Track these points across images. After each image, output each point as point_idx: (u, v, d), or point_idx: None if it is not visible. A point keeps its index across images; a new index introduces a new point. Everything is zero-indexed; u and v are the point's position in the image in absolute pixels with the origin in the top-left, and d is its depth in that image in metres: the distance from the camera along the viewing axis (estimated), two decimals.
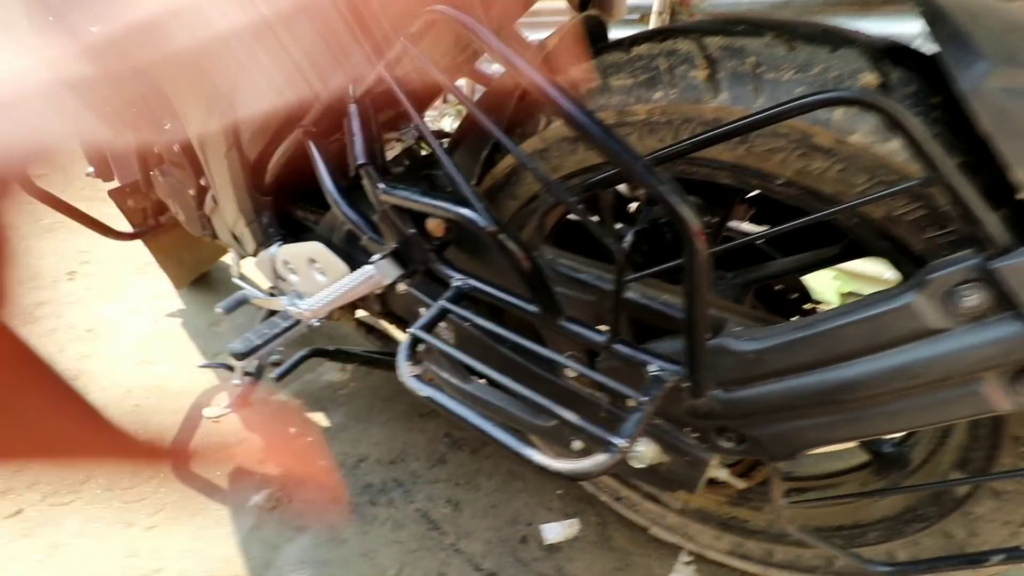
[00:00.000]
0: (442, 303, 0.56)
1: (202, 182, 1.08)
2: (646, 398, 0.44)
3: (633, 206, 0.88)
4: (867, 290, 1.41)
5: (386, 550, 0.90)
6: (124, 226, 1.44)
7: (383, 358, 0.97)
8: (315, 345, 0.91)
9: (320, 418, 1.23)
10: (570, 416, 0.45)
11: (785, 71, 0.45)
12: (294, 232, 0.96)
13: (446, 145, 0.72)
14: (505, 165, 0.67)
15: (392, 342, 1.07)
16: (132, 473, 1.03)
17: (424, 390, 0.50)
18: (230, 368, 1.18)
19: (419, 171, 0.70)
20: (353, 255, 0.83)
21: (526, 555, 0.92)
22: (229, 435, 1.14)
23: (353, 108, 0.59)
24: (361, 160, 0.58)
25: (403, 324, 1.00)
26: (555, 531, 0.96)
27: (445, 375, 0.75)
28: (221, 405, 1.22)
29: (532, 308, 0.54)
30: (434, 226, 0.58)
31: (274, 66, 0.64)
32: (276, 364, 0.95)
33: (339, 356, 0.92)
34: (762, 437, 0.50)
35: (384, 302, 0.90)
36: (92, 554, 0.86)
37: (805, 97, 0.35)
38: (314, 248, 0.82)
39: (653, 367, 0.47)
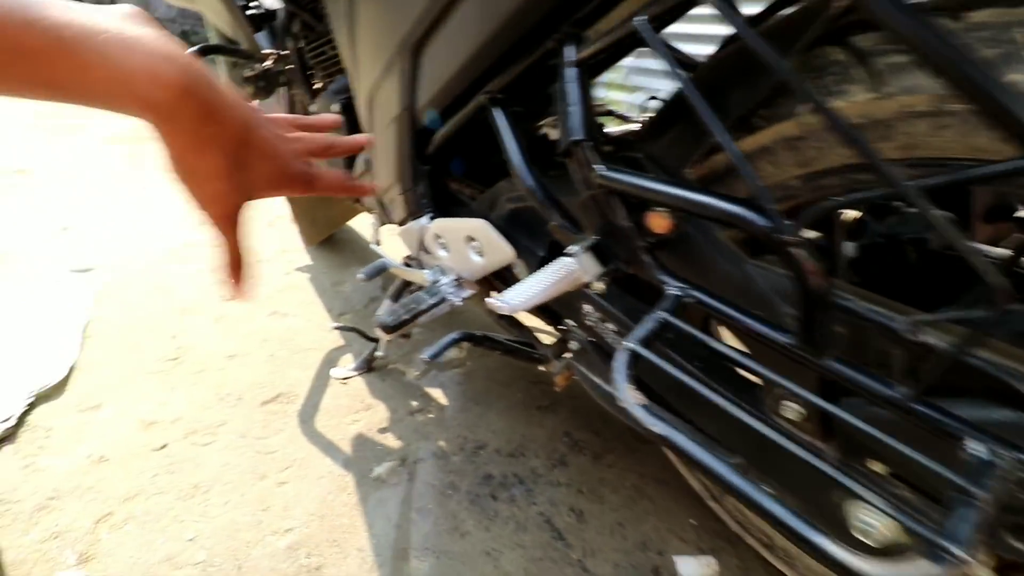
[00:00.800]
0: (662, 314, 0.46)
1: None
2: (980, 491, 0.32)
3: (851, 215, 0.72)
4: None
5: (510, 553, 0.85)
6: None
7: (525, 350, 0.90)
8: (462, 329, 0.86)
9: (438, 395, 1.20)
10: (855, 487, 0.34)
11: None
12: (444, 206, 0.90)
13: (646, 123, 0.61)
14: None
15: (524, 330, 1.00)
16: (264, 424, 1.05)
17: (657, 426, 0.41)
18: (361, 333, 1.18)
19: (621, 151, 0.60)
20: (515, 238, 0.75)
21: None
22: (355, 399, 1.14)
23: (571, 73, 0.50)
24: (577, 135, 0.49)
25: (550, 316, 0.92)
26: (691, 568, 0.86)
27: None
28: (348, 367, 1.23)
29: (785, 339, 0.43)
30: (658, 221, 0.48)
31: (477, 19, 0.57)
32: (392, 328, 0.90)
33: (485, 343, 0.86)
34: None
35: None
36: (230, 500, 0.88)
37: None
38: (477, 226, 0.76)
39: (977, 445, 0.35)
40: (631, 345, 0.45)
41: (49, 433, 0.98)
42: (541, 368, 0.95)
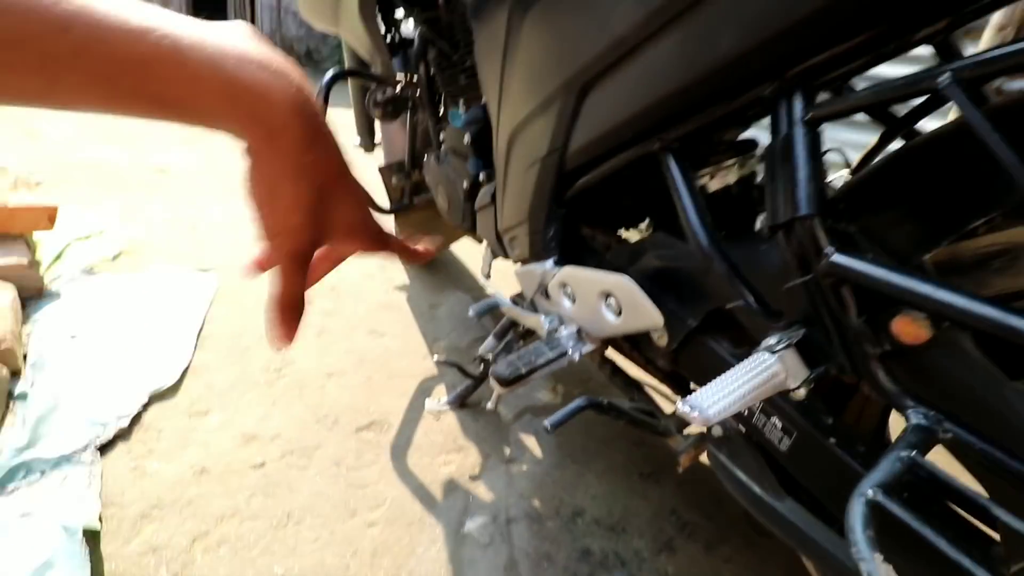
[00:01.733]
0: (906, 454, 0.35)
1: (481, 177, 1.02)
2: None
3: None
4: None
5: None
6: (382, 201, 1.49)
7: (650, 421, 0.81)
8: (587, 395, 0.77)
9: (532, 444, 1.12)
10: None
11: None
12: (572, 252, 0.83)
13: (853, 185, 0.50)
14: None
15: (643, 395, 0.90)
16: (357, 452, 1.02)
17: None
18: (461, 369, 1.13)
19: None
20: (661, 301, 0.66)
21: None
22: (447, 437, 1.09)
23: (799, 132, 0.41)
24: (806, 209, 0.40)
25: (675, 384, 0.82)
26: None
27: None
28: (442, 400, 1.18)
29: None
30: (910, 328, 0.37)
31: (672, 65, 0.49)
32: (509, 382, 0.83)
33: (611, 411, 0.78)
34: None
35: (673, 359, 0.73)
36: (320, 536, 0.84)
37: None
38: (621, 284, 0.68)
39: None
40: (871, 494, 0.34)
41: (160, 435, 1.00)
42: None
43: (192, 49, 0.25)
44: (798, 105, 0.42)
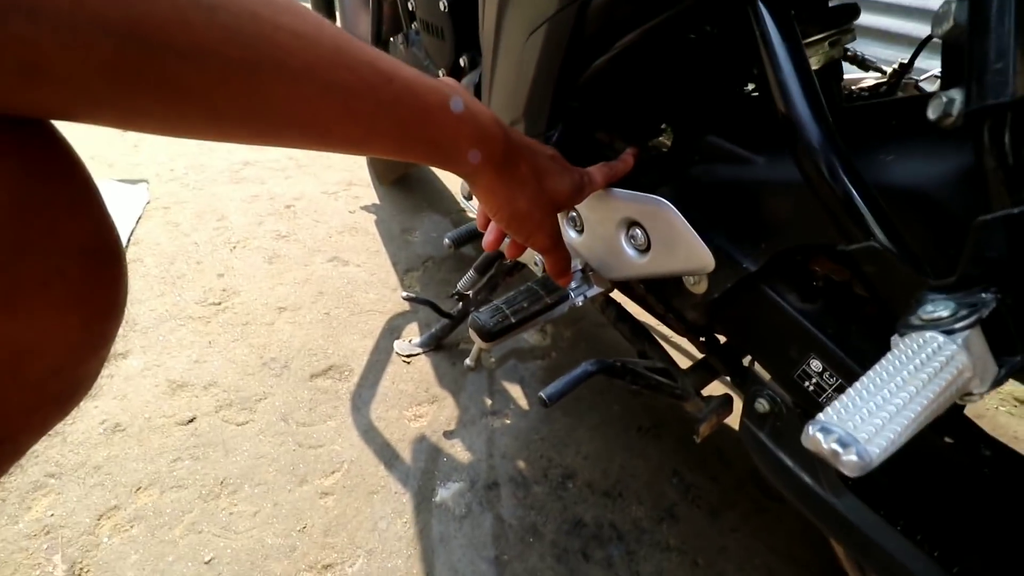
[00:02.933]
0: None
1: (462, 61, 0.78)
2: None
3: None
4: None
5: None
6: None
7: (668, 384, 0.65)
8: (598, 358, 0.60)
9: (518, 393, 0.97)
10: None
11: None
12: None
13: None
14: None
15: (654, 343, 0.73)
16: (310, 404, 0.86)
17: None
18: (434, 307, 0.95)
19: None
20: (707, 237, 0.47)
21: None
22: (419, 386, 0.93)
23: None
24: None
25: (697, 336, 0.65)
26: None
27: None
28: (413, 341, 1.01)
29: None
30: None
31: None
32: (494, 335, 0.65)
33: (625, 375, 0.61)
34: None
35: (709, 311, 0.55)
36: (261, 509, 0.70)
37: None
38: (657, 211, 0.49)
39: None
40: None
41: None
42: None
43: (460, 103, 0.32)
44: None
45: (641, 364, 0.63)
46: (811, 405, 0.47)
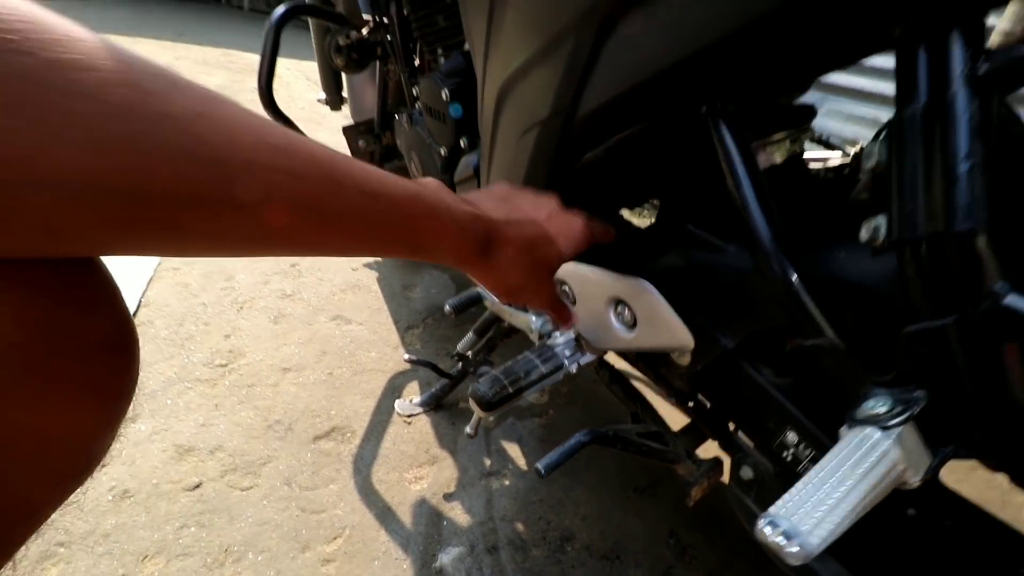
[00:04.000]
0: None
1: (462, 142, 0.85)
2: None
3: None
4: None
5: None
6: None
7: (659, 448, 0.67)
8: (591, 428, 0.63)
9: (516, 452, 0.99)
10: None
11: None
12: None
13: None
14: None
15: (647, 406, 0.76)
16: (313, 468, 0.87)
17: None
18: (435, 368, 0.98)
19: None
20: (687, 316, 0.52)
21: None
22: (419, 446, 0.95)
23: (961, 97, 0.26)
24: (966, 221, 0.25)
25: (688, 405, 0.68)
26: None
27: None
28: (414, 401, 1.04)
29: None
30: None
31: None
32: (493, 405, 0.68)
33: (617, 443, 0.64)
34: None
35: (693, 380, 0.59)
36: None
37: None
38: (639, 291, 0.53)
39: None
40: None
41: None
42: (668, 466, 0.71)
43: (439, 208, 0.35)
44: (957, 51, 0.27)
45: (632, 430, 0.66)
46: (790, 475, 0.50)
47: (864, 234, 0.32)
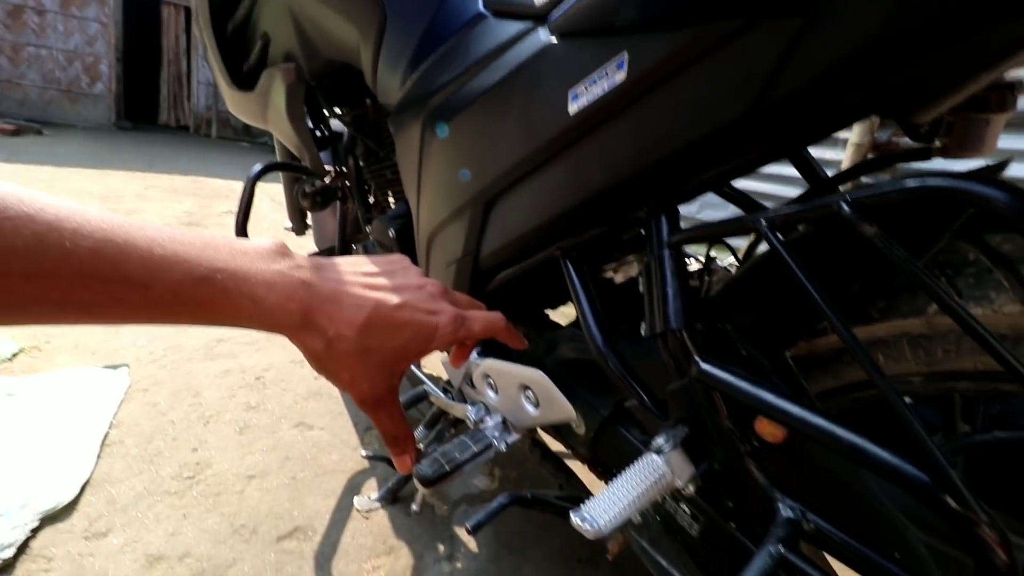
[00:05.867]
0: (775, 549, 0.39)
1: None
2: None
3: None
4: None
5: None
6: None
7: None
8: (509, 490, 0.78)
9: (468, 538, 1.08)
10: None
11: None
12: (494, 343, 0.86)
13: (728, 285, 0.56)
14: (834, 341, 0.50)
15: (572, 477, 0.91)
16: (276, 567, 0.95)
17: None
18: (391, 463, 1.10)
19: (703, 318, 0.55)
20: (576, 392, 0.69)
21: None
22: (377, 538, 1.04)
23: (664, 255, 0.47)
24: (674, 323, 0.45)
25: (598, 469, 0.84)
26: None
27: None
28: (372, 496, 1.13)
29: None
30: (769, 430, 0.42)
31: (562, 187, 0.55)
32: (432, 482, 0.81)
33: (536, 505, 0.78)
34: None
35: (592, 446, 0.75)
36: None
37: None
38: (535, 378, 0.71)
39: None
40: None
41: (50, 564, 0.89)
42: None
43: (237, 290, 0.33)
44: (664, 229, 0.48)
45: (551, 494, 0.80)
46: (667, 516, 0.65)
47: (642, 331, 0.51)
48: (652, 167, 0.46)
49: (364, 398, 0.40)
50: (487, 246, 0.68)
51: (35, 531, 0.94)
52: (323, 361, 0.38)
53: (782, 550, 0.39)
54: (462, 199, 0.66)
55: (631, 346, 0.58)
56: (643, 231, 0.51)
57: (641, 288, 0.53)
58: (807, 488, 0.45)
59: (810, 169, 0.67)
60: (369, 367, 0.39)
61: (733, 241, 0.74)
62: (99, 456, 1.15)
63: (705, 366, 0.44)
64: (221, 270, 0.32)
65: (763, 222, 0.38)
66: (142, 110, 9.27)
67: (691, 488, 0.47)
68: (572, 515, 0.42)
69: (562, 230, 0.59)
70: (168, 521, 1.01)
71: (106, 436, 1.21)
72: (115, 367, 1.51)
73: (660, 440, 0.47)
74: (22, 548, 0.90)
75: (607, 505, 0.42)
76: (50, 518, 0.97)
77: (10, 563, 0.88)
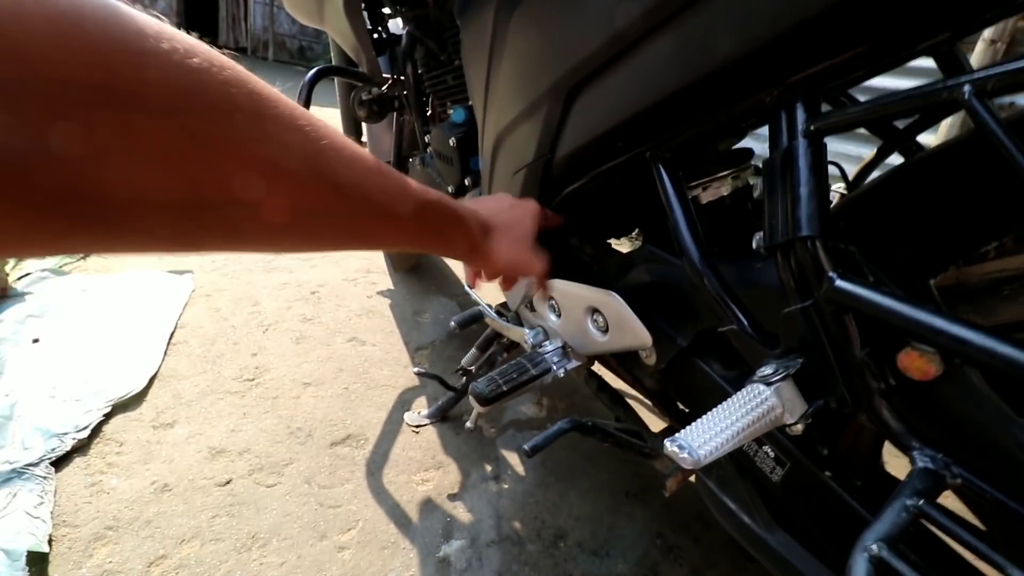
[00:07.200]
0: (913, 503, 0.32)
1: (467, 181, 0.98)
2: None
3: None
4: None
5: None
6: None
7: (636, 442, 0.77)
8: (572, 415, 0.73)
9: (515, 460, 1.07)
10: None
11: None
12: (558, 263, 0.79)
13: (855, 200, 0.47)
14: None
15: (631, 414, 0.86)
16: (330, 469, 0.97)
17: None
18: (442, 381, 1.09)
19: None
20: (651, 319, 0.62)
21: None
22: (426, 453, 1.04)
23: (802, 145, 0.38)
24: (808, 230, 0.36)
25: (663, 402, 0.78)
26: None
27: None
28: (422, 413, 1.14)
29: None
30: (920, 364, 0.34)
31: (666, 68, 0.45)
32: (489, 400, 0.78)
33: (596, 433, 0.74)
34: None
35: (661, 378, 0.69)
36: (287, 560, 0.80)
37: None
38: (609, 302, 0.64)
39: None
40: (876, 549, 0.30)
41: (121, 448, 0.94)
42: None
43: (459, 209, 0.48)
44: (800, 115, 0.39)
45: (612, 425, 0.76)
46: (743, 457, 0.59)
47: (754, 243, 0.43)
48: (794, 31, 0.36)
49: (534, 268, 0.61)
50: (564, 145, 0.59)
51: (107, 417, 0.99)
52: (504, 258, 0.56)
53: (921, 504, 0.32)
54: (540, 88, 0.57)
55: (728, 267, 0.50)
56: (770, 121, 0.41)
57: (757, 192, 0.44)
58: (945, 439, 0.37)
59: (959, 68, 0.53)
60: (524, 248, 0.59)
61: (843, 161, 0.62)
62: (166, 353, 1.19)
63: (841, 282, 0.36)
64: (445, 196, 0.45)
65: (967, 89, 0.28)
66: (202, 32, 9.28)
67: (799, 427, 0.40)
68: (667, 443, 0.36)
69: (658, 125, 0.50)
70: (229, 418, 1.05)
71: (172, 335, 1.25)
72: (180, 272, 1.56)
73: (768, 369, 0.40)
74: (96, 431, 0.96)
75: (708, 435, 0.36)
76: (121, 406, 1.02)
77: (85, 443, 0.93)
